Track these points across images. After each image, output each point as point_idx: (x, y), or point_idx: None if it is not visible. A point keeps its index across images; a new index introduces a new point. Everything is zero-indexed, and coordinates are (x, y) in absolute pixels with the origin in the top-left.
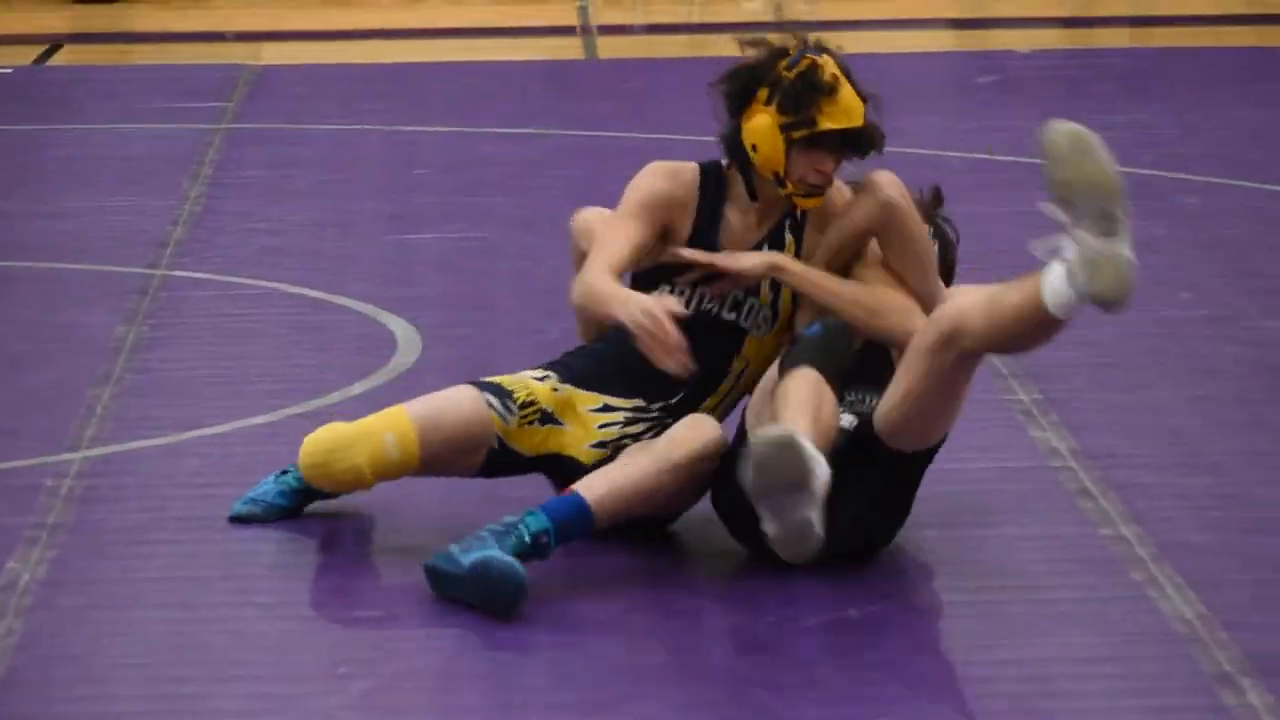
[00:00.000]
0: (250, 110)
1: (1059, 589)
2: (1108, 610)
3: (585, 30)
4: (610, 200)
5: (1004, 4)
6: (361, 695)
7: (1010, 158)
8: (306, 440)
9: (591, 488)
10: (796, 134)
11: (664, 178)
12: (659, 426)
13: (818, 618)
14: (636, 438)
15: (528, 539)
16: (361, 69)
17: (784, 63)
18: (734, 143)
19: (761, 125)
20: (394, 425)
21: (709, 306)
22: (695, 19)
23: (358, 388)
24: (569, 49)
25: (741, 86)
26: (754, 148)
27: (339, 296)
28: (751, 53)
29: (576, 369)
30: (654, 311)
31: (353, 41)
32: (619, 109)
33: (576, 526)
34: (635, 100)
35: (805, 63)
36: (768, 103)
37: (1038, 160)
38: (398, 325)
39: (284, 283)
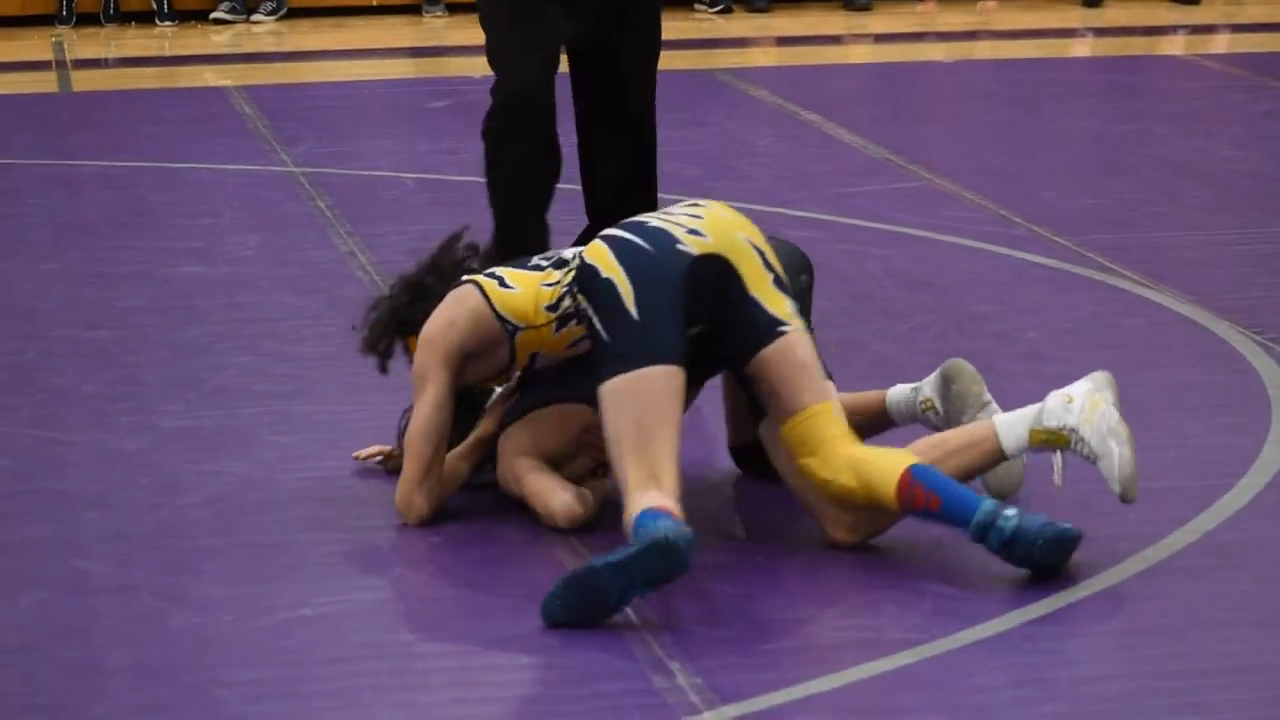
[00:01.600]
0: None
1: (499, 584)
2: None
3: (60, 65)
4: (78, 226)
5: (459, 33)
6: None
7: (462, 177)
8: None
9: None
10: None
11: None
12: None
13: None
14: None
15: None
16: None
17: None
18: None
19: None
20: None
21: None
22: (167, 51)
23: None
24: (45, 83)
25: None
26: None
27: None
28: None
29: None
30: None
31: None
32: (92, 139)
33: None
34: (107, 130)
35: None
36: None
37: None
38: None
39: None
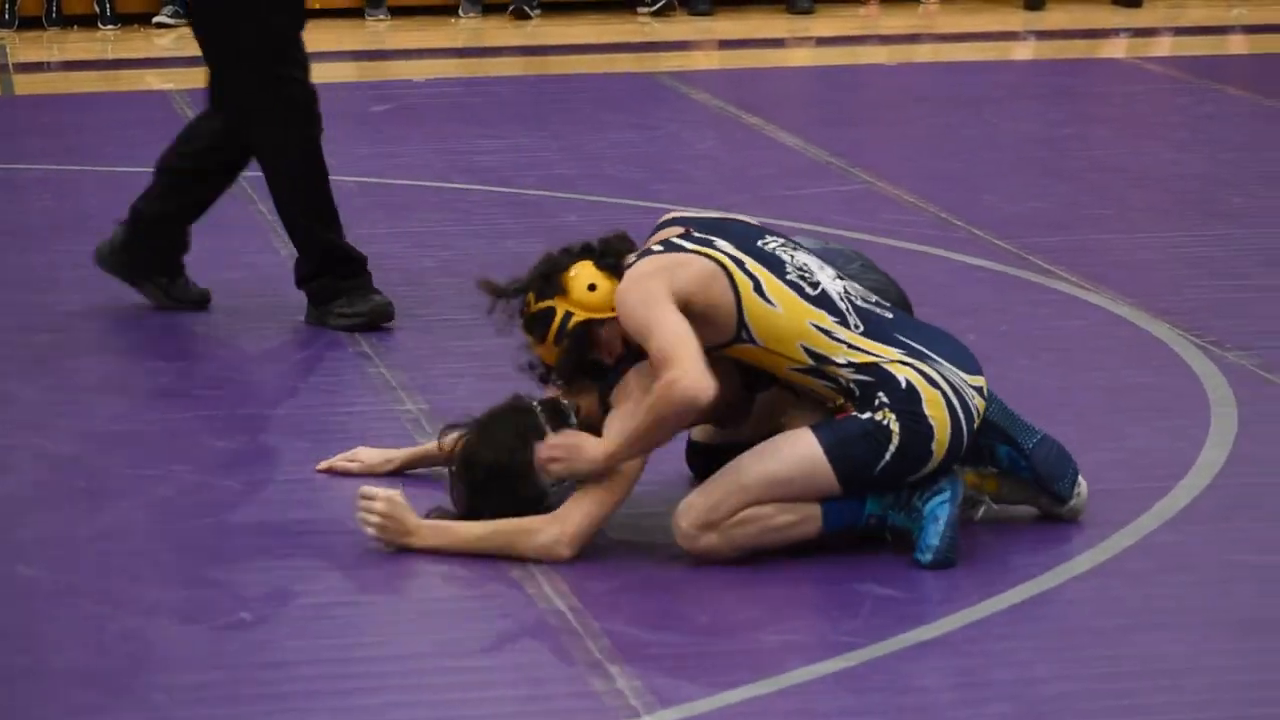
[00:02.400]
0: None
1: (436, 588)
2: (485, 606)
3: (2, 68)
4: (18, 230)
5: (401, 36)
6: None
7: (403, 181)
8: None
9: None
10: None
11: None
12: None
13: None
14: None
15: None
16: None
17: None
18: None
19: (588, 271)
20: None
21: None
22: (110, 55)
23: None
24: None
25: (553, 268)
26: (592, 287)
27: None
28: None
29: None
30: None
31: None
32: (34, 142)
33: None
34: (49, 133)
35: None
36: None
37: (428, 183)
38: None
39: None
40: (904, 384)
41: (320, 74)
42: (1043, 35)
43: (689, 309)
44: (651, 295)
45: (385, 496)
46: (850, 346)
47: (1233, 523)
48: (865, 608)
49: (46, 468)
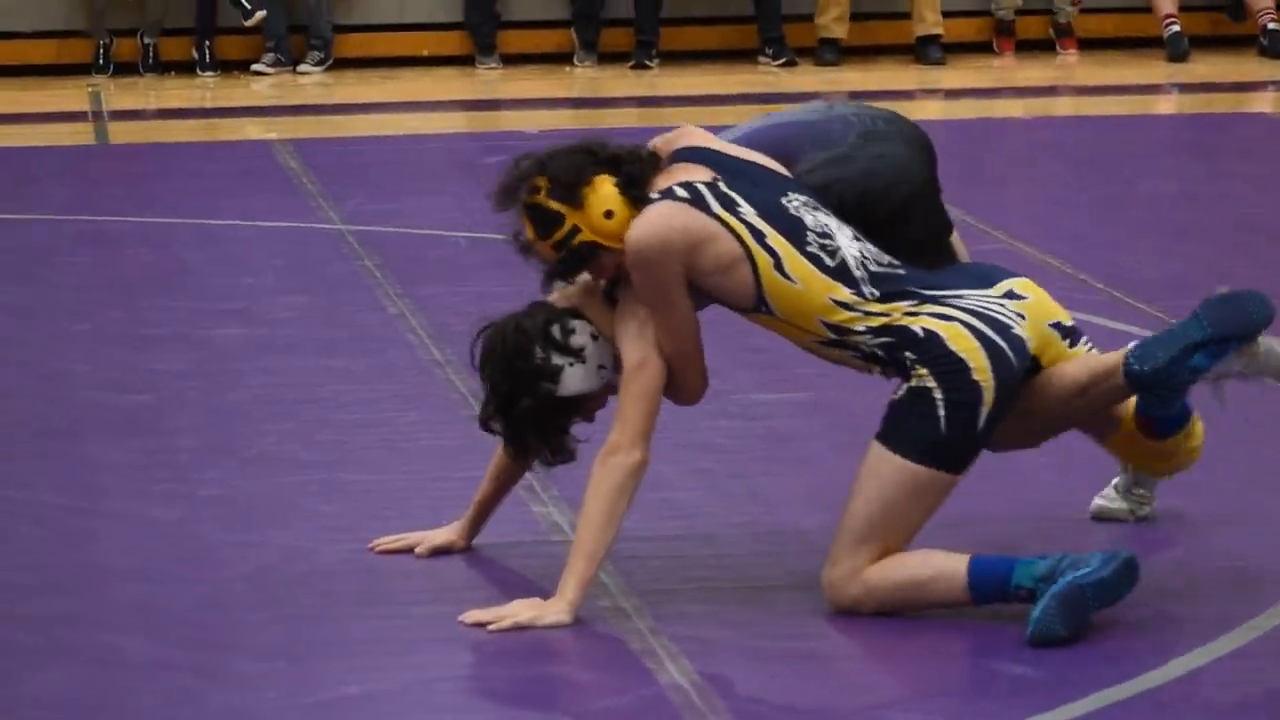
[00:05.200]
0: None
1: (562, 662)
2: (605, 678)
3: (97, 115)
4: (115, 284)
5: (513, 85)
6: None
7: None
8: None
9: None
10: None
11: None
12: None
13: None
14: None
15: None
16: None
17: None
18: (569, 239)
19: (609, 193)
20: None
21: None
22: (208, 103)
23: None
24: (80, 134)
25: (575, 170)
26: (609, 214)
27: None
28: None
29: None
30: None
31: None
32: (129, 193)
33: None
34: (144, 184)
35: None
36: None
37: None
38: None
39: None
40: (921, 333)
41: (430, 124)
42: (1186, 88)
43: (703, 280)
44: (665, 285)
45: (495, 615)
46: (868, 314)
47: None
48: (1001, 685)
49: (142, 534)
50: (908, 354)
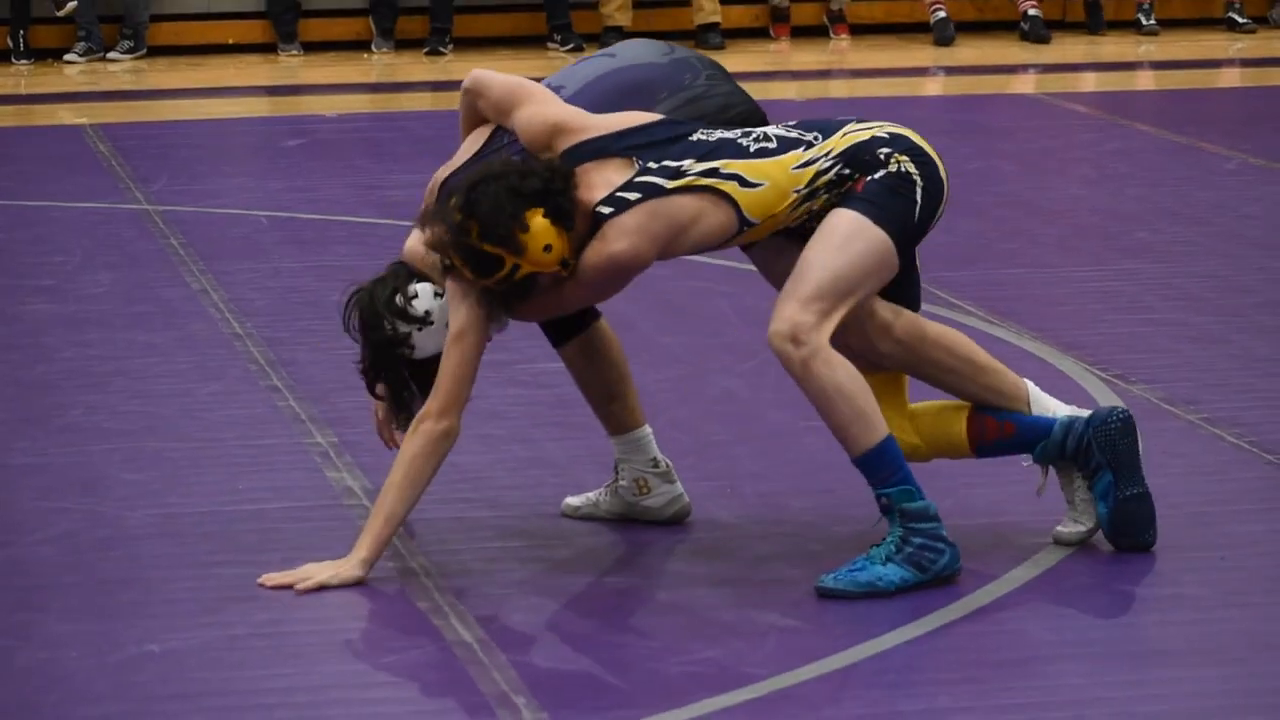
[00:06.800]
0: None
1: (355, 619)
2: (395, 634)
3: None
4: None
5: (314, 71)
6: None
7: (315, 215)
8: None
9: None
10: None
11: None
12: None
13: None
14: None
15: None
16: None
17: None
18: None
19: (542, 227)
20: None
21: None
22: (22, 90)
23: None
24: None
25: (507, 215)
26: (548, 248)
27: None
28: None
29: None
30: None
31: None
32: None
33: None
34: None
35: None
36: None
37: (338, 217)
38: None
39: None
40: (886, 135)
41: (235, 109)
42: (951, 70)
43: (686, 248)
44: (620, 283)
45: (294, 577)
46: (826, 153)
47: (1131, 553)
48: (771, 641)
49: None
50: (882, 150)
